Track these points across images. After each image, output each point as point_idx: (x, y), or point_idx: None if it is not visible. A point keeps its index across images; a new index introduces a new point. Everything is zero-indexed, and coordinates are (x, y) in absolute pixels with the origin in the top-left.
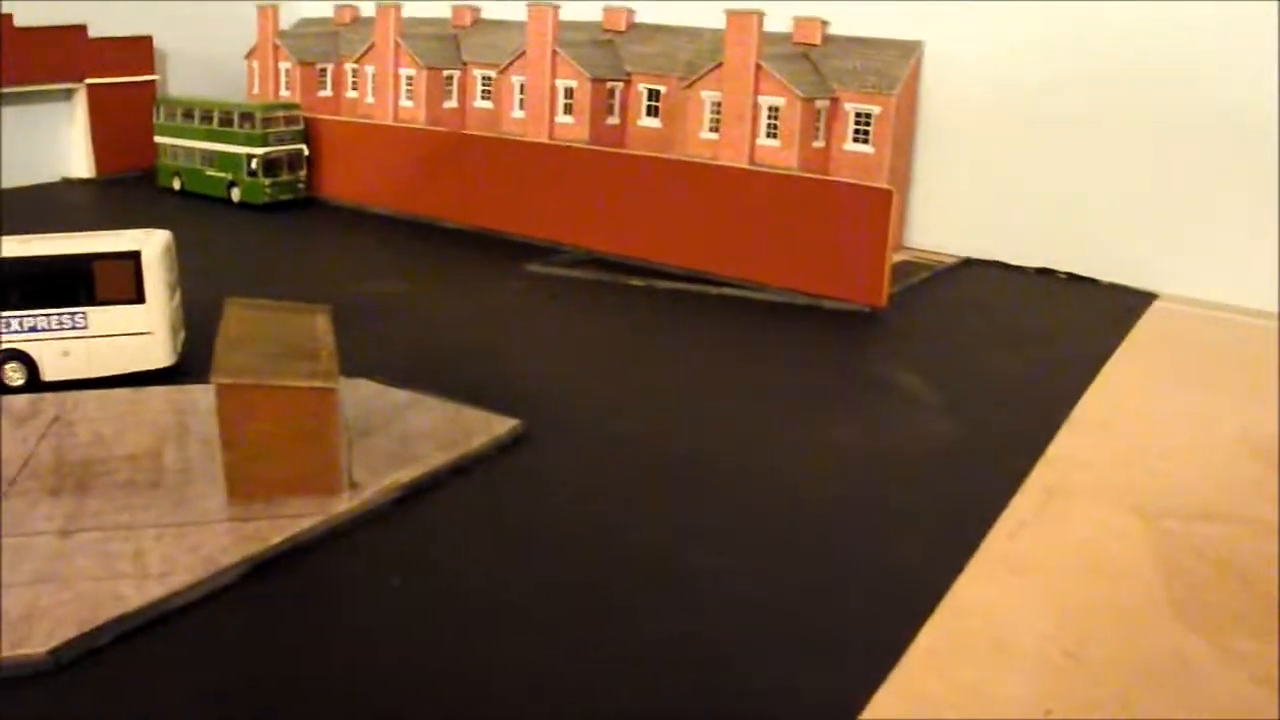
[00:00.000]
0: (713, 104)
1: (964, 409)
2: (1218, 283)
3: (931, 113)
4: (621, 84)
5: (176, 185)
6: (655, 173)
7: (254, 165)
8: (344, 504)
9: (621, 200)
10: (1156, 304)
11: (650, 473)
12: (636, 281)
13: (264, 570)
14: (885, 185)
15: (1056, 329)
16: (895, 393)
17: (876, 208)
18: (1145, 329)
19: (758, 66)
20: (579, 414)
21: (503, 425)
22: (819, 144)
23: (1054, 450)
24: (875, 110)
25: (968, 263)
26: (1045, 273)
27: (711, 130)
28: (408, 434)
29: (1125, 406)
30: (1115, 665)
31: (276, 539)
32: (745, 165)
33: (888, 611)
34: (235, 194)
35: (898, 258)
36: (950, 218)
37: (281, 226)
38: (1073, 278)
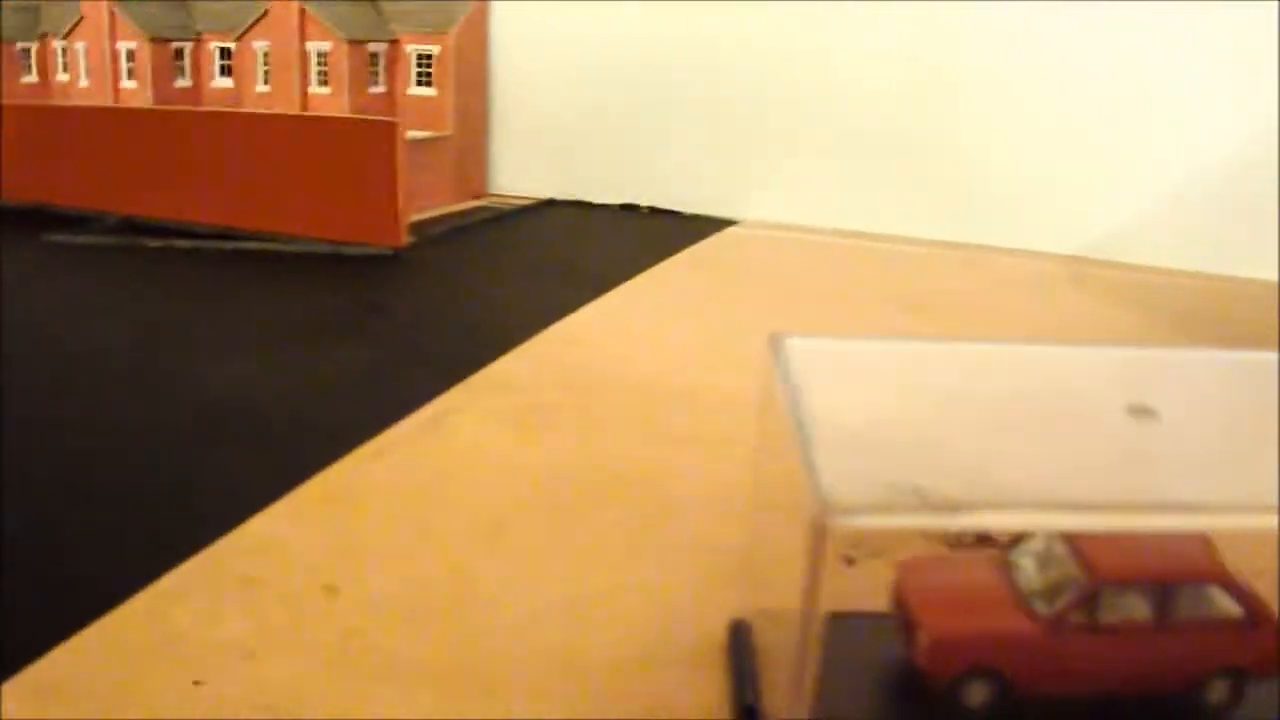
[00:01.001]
0: (263, 54)
1: (418, 340)
2: (787, 206)
3: (509, 58)
4: (190, 43)
5: None
6: (173, 128)
7: None
8: None
9: (153, 161)
10: (727, 230)
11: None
12: (154, 243)
13: None
14: (393, 119)
15: (594, 258)
16: (354, 330)
17: (383, 143)
18: (689, 251)
19: (302, 11)
20: None
21: None
22: (379, 89)
23: (482, 375)
24: (435, 50)
25: (549, 203)
26: (629, 208)
27: (265, 82)
28: None
29: (603, 326)
30: (375, 597)
31: None
32: (279, 112)
33: (155, 551)
34: None
35: (475, 203)
36: (536, 162)
37: None
38: (655, 211)
